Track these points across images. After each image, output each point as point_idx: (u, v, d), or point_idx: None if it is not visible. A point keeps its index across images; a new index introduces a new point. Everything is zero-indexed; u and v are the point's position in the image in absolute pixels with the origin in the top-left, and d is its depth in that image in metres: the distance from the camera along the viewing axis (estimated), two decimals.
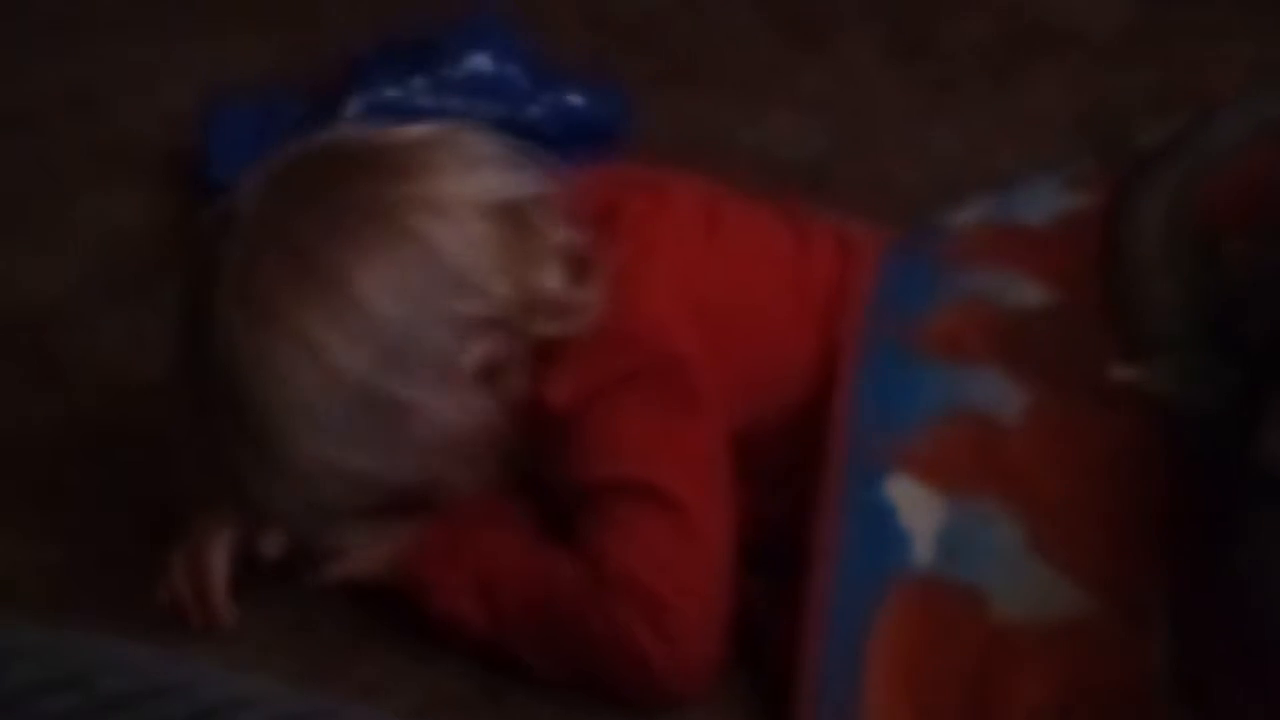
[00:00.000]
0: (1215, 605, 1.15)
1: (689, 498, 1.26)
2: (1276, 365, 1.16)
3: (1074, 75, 1.90)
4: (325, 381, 1.25)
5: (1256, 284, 1.20)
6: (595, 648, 1.26)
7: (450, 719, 1.31)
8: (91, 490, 1.48)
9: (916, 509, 1.22)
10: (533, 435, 1.32)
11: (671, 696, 1.27)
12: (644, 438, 1.27)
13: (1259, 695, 1.12)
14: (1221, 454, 1.16)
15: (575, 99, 1.74)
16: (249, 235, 1.27)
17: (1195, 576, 1.16)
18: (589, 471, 1.28)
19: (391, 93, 1.70)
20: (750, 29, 1.96)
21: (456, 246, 1.26)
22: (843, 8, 1.98)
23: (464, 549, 1.31)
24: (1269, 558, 1.12)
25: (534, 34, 1.79)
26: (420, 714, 1.31)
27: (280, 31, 1.98)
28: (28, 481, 1.49)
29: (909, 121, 1.83)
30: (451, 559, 1.31)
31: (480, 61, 1.72)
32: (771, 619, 1.29)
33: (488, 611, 1.30)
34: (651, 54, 1.92)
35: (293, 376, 1.25)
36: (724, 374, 1.31)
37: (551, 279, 1.29)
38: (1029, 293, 1.29)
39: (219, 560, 1.34)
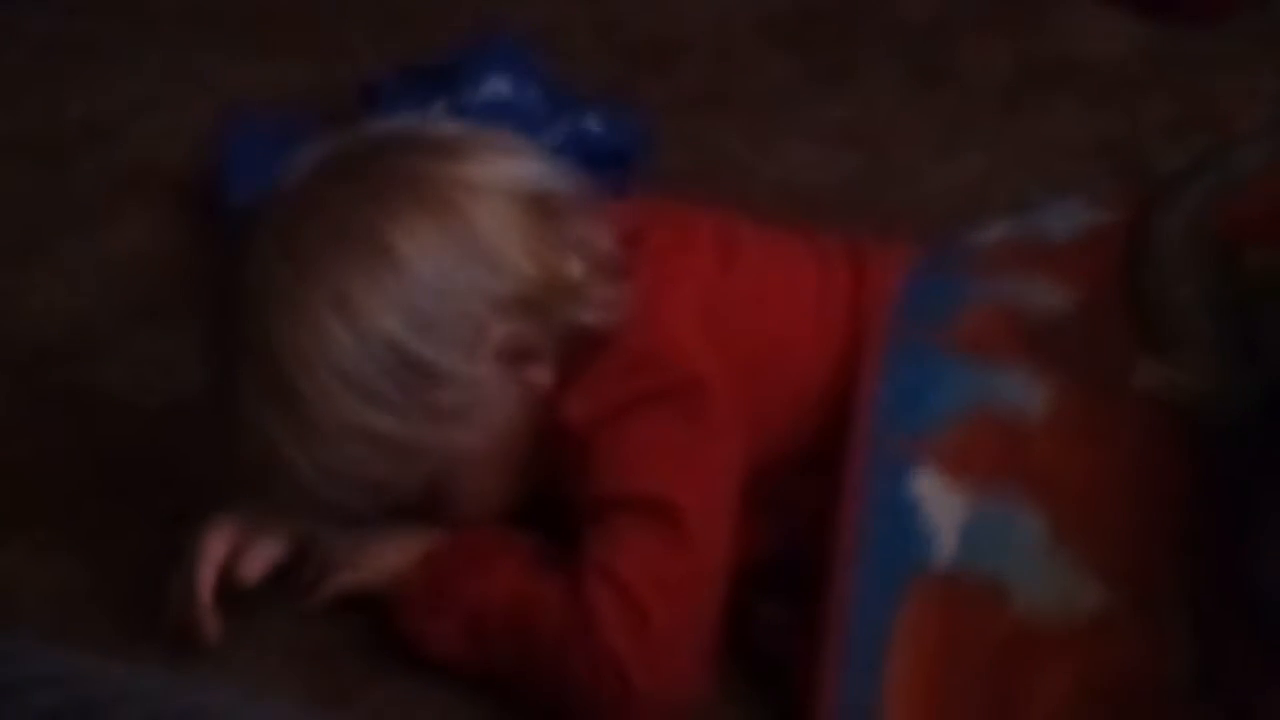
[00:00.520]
0: (1234, 602, 1.16)
1: (692, 516, 1.27)
2: None
3: (1092, 105, 1.90)
4: (359, 340, 1.27)
5: (1275, 291, 1.22)
6: (574, 677, 1.26)
7: None
8: (107, 514, 1.47)
9: (940, 503, 1.23)
10: (549, 453, 1.32)
11: (649, 714, 1.26)
12: (656, 455, 1.28)
13: (1278, 691, 1.14)
14: (1240, 453, 1.18)
15: (593, 124, 1.74)
16: (293, 202, 1.31)
17: (1214, 574, 1.17)
18: (599, 487, 1.29)
19: (409, 117, 1.69)
20: (770, 57, 1.96)
21: (491, 225, 1.29)
22: (863, 37, 1.98)
23: (450, 595, 1.32)
24: None
25: (552, 59, 1.79)
26: None
27: (298, 56, 1.98)
28: (43, 504, 1.49)
29: (929, 151, 1.83)
30: (438, 608, 1.32)
31: (498, 86, 1.72)
32: (784, 643, 1.29)
33: (479, 653, 1.31)
34: (670, 80, 1.92)
35: (329, 333, 1.27)
36: (742, 401, 1.31)
37: (577, 268, 1.31)
38: (1054, 297, 1.30)
39: (206, 572, 1.34)
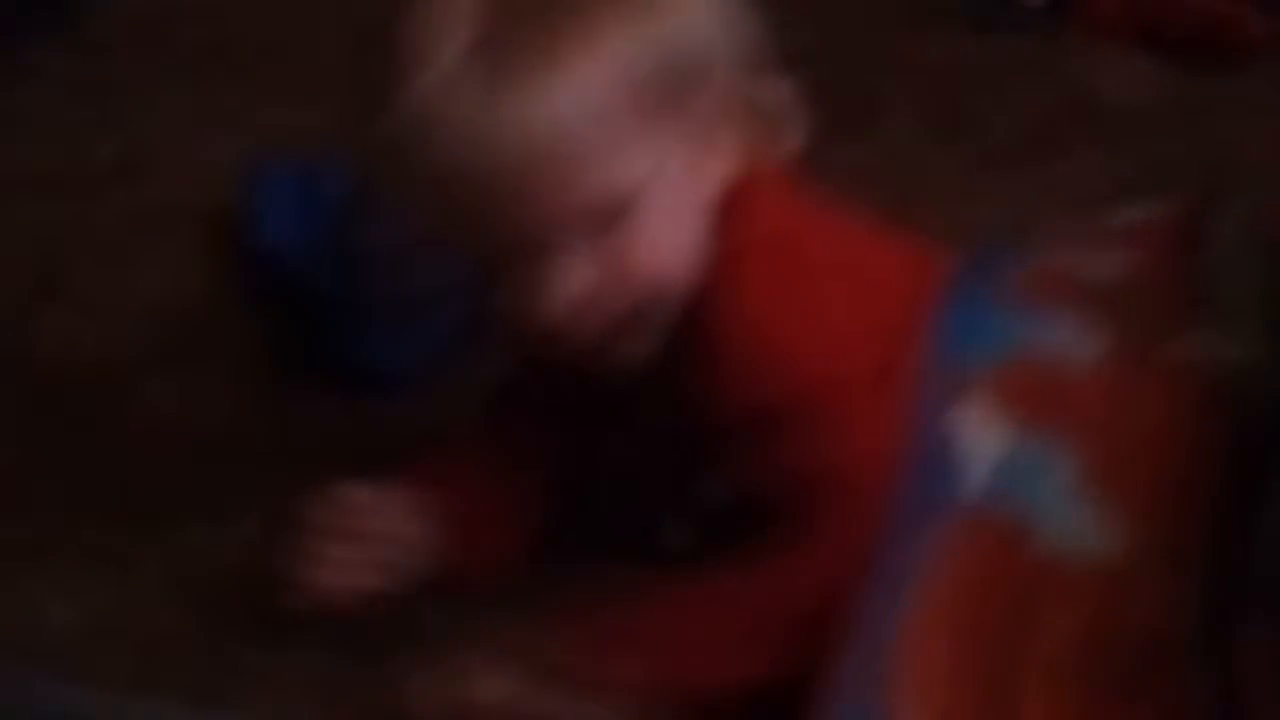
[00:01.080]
0: (1247, 566, 1.19)
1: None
2: None
3: (1113, 151, 1.90)
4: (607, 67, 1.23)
5: None
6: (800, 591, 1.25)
7: None
8: (129, 548, 1.48)
9: (978, 435, 1.25)
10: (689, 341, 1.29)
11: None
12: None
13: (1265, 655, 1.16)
14: (1273, 429, 1.22)
15: None
16: None
17: (1229, 541, 1.20)
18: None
19: None
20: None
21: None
22: (885, 84, 1.99)
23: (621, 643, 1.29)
24: None
25: None
26: None
27: (323, 96, 1.99)
28: (66, 538, 1.49)
29: (952, 197, 1.84)
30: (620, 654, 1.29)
31: None
32: None
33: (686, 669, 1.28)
34: None
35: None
36: None
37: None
38: (1106, 268, 1.34)
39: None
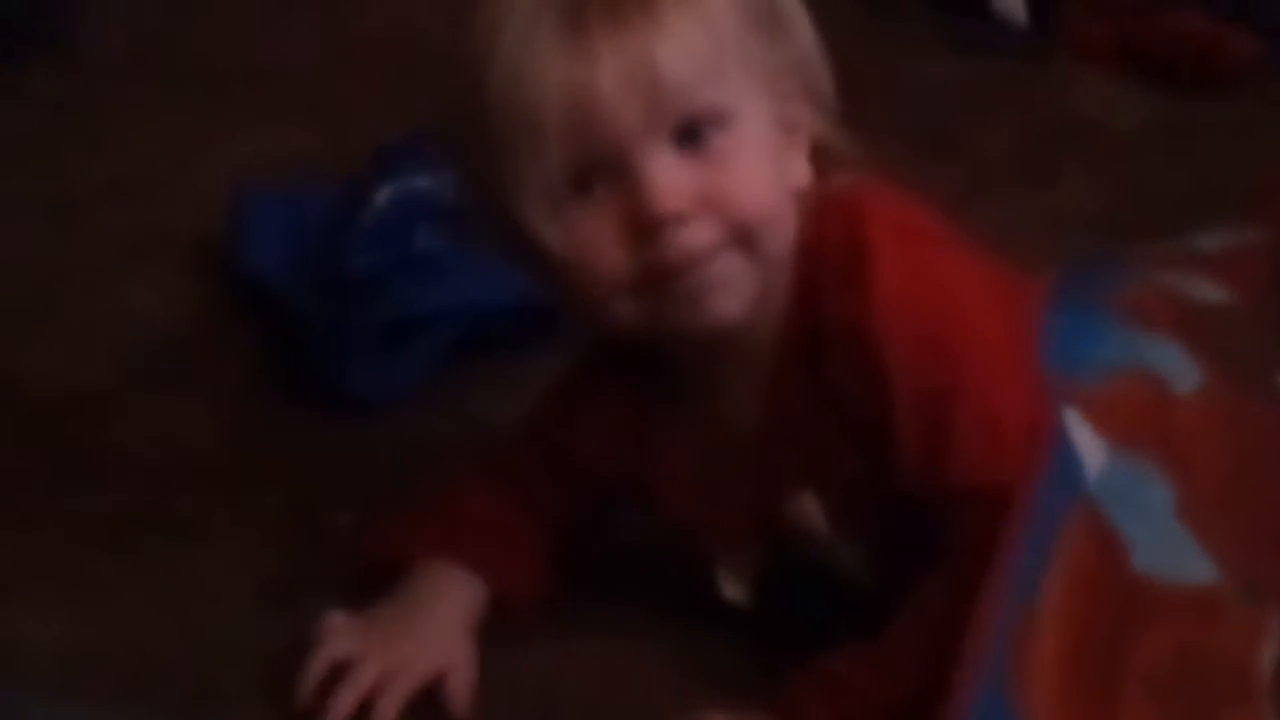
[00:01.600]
0: None
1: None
2: None
3: (1102, 171, 1.91)
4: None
5: None
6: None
7: None
8: (111, 572, 1.48)
9: (1086, 444, 1.25)
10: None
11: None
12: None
13: None
14: None
15: None
16: None
17: None
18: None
19: (422, 182, 1.70)
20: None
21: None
22: (872, 106, 1.98)
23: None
24: None
25: None
26: None
27: (310, 121, 2.00)
28: (47, 560, 1.49)
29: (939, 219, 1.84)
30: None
31: None
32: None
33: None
34: None
35: None
36: None
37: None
38: (1209, 293, 1.35)
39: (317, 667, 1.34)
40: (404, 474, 1.52)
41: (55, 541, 1.51)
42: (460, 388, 1.62)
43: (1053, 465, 1.24)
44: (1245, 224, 1.45)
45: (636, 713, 1.34)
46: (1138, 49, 2.08)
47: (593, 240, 1.24)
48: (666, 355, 1.33)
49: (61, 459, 1.60)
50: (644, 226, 1.23)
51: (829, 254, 1.28)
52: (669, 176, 1.22)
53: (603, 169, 1.23)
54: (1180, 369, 1.28)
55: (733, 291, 1.25)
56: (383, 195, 1.70)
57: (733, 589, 1.38)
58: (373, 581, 1.40)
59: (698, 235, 1.23)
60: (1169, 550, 1.22)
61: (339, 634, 1.35)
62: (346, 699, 1.33)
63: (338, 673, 1.34)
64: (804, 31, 1.30)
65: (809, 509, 1.33)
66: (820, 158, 1.30)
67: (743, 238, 1.25)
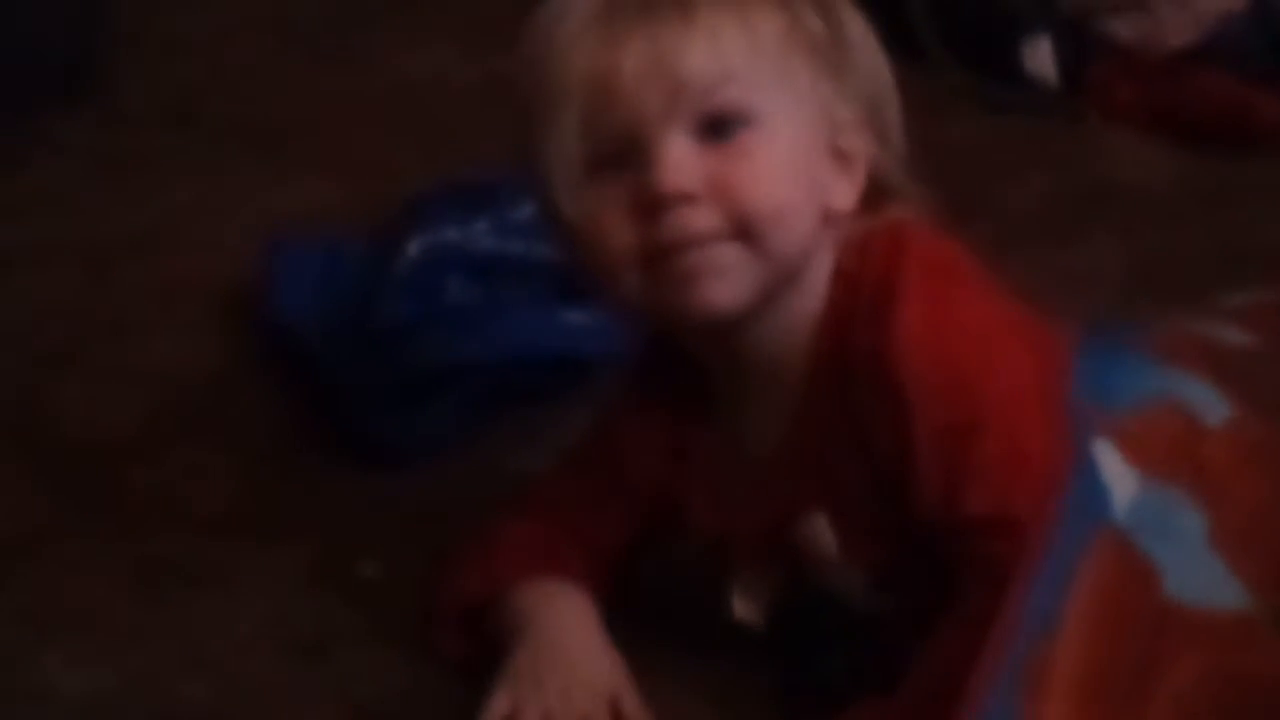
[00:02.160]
0: None
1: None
2: None
3: (1132, 233, 1.91)
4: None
5: None
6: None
7: None
8: (137, 622, 1.48)
9: (1115, 474, 1.27)
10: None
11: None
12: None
13: None
14: None
15: None
16: None
17: None
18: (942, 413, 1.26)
19: (452, 234, 1.71)
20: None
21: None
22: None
23: None
24: None
25: None
26: None
27: (341, 173, 2.00)
28: (75, 610, 1.49)
29: None
30: None
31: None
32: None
33: None
34: None
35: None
36: None
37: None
38: (1237, 336, 1.37)
39: None
40: (434, 526, 1.52)
41: (85, 590, 1.51)
42: (491, 439, 1.62)
43: (1073, 498, 1.25)
44: (1271, 284, 1.47)
45: None
46: (1168, 110, 2.08)
47: (605, 217, 1.27)
48: (699, 372, 1.35)
49: (91, 508, 1.60)
50: (649, 203, 1.25)
51: (864, 286, 1.29)
52: (678, 156, 1.25)
53: (621, 151, 1.26)
54: (1210, 402, 1.30)
55: (726, 281, 1.27)
56: (414, 247, 1.70)
57: (744, 608, 1.38)
58: (425, 636, 1.41)
59: (697, 218, 1.26)
60: (1201, 577, 1.24)
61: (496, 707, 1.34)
62: None
63: None
64: (873, 67, 1.32)
65: (821, 531, 1.33)
66: (876, 191, 1.32)
67: (745, 230, 1.26)
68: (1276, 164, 2.00)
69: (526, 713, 1.32)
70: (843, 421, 1.29)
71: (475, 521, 1.45)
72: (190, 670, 1.43)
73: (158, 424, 1.69)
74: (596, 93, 1.26)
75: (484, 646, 1.38)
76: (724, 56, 1.26)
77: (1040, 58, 2.17)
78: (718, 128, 1.26)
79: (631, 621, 1.39)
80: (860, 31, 1.32)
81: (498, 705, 1.33)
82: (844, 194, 1.31)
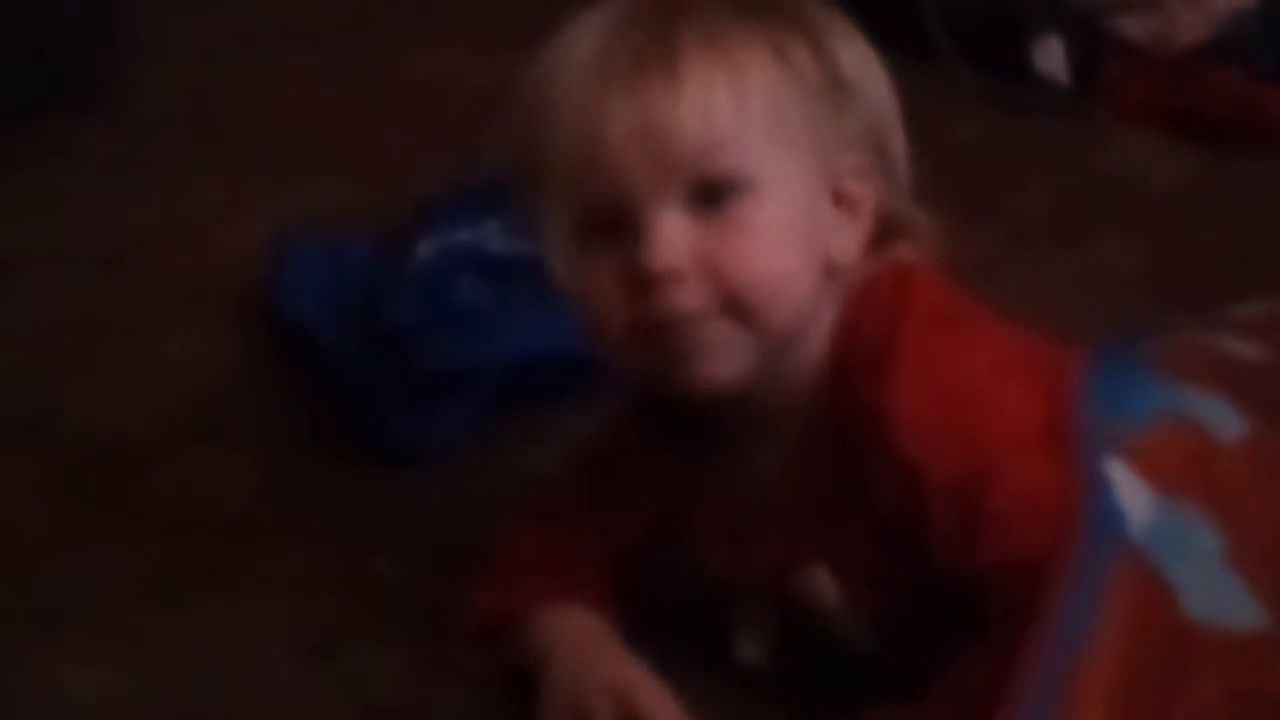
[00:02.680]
0: None
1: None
2: None
3: (1143, 231, 1.90)
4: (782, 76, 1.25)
5: None
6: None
7: None
8: (149, 623, 1.48)
9: (1130, 493, 1.25)
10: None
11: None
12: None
13: None
14: None
15: None
16: None
17: None
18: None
19: (463, 235, 1.71)
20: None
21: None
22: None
23: None
24: None
25: None
26: None
27: (352, 173, 2.01)
28: (98, 618, 1.49)
29: (980, 280, 1.83)
30: None
31: None
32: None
33: None
34: None
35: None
36: None
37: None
38: (1248, 350, 1.36)
39: None
40: (446, 526, 1.52)
41: (97, 592, 1.51)
42: (502, 440, 1.62)
43: (1092, 523, 1.24)
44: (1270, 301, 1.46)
45: None
46: (1179, 108, 2.08)
47: (597, 288, 1.25)
48: (701, 418, 1.33)
49: (103, 509, 1.60)
50: (639, 280, 1.23)
51: (864, 339, 1.27)
52: (669, 233, 1.22)
53: (611, 220, 1.23)
54: (1224, 418, 1.29)
55: (721, 359, 1.24)
56: (425, 248, 1.71)
57: (751, 650, 1.38)
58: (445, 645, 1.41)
59: (688, 298, 1.22)
60: (1218, 596, 1.23)
61: None
62: None
63: None
64: (873, 96, 1.29)
65: (822, 584, 1.32)
66: (885, 229, 1.29)
67: (736, 307, 1.23)
68: None
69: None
70: (842, 474, 1.28)
71: (487, 521, 1.45)
72: (203, 669, 1.43)
73: (171, 425, 1.70)
74: (585, 162, 1.22)
75: (500, 661, 1.38)
76: (715, 121, 1.22)
77: (1051, 57, 2.17)
78: (709, 196, 1.22)
79: (643, 640, 1.39)
80: (856, 59, 1.28)
81: None
82: (848, 243, 1.28)
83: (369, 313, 1.69)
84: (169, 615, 1.48)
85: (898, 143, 1.30)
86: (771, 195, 1.23)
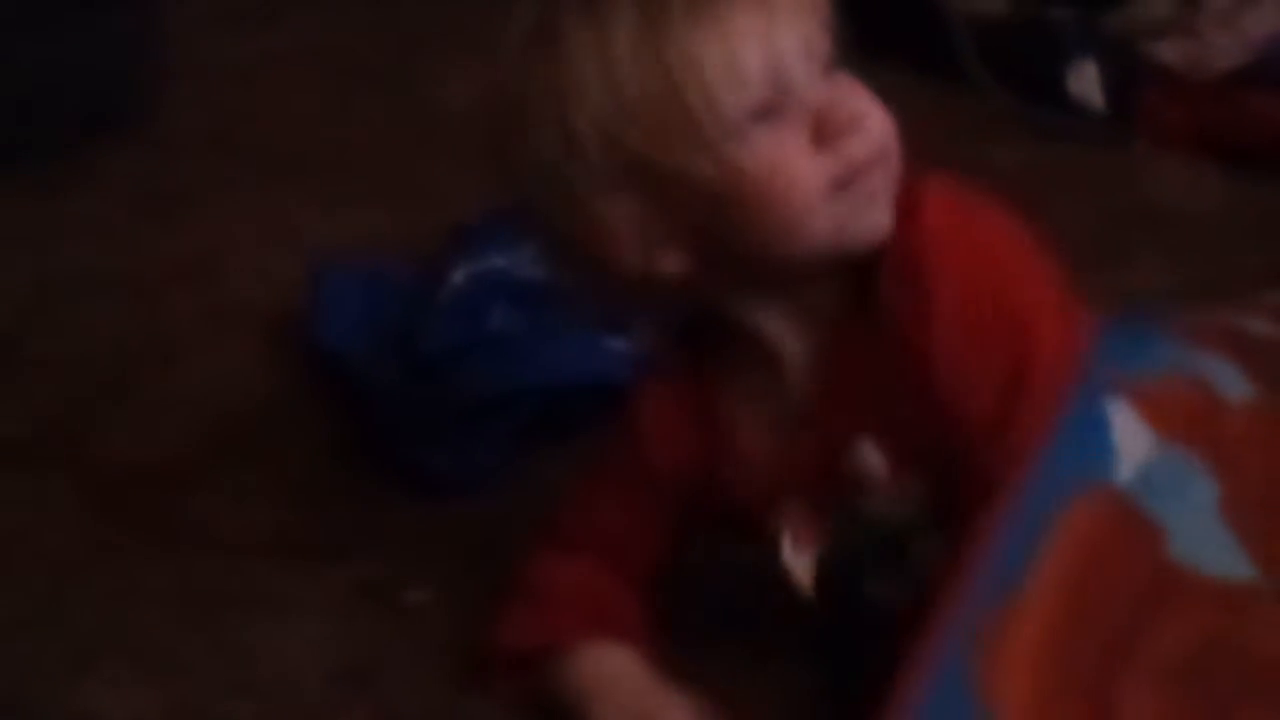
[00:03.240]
0: None
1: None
2: None
3: (1181, 257, 1.90)
4: None
5: None
6: None
7: None
8: (184, 646, 1.48)
9: (1128, 434, 1.27)
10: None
11: None
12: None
13: None
14: None
15: None
16: None
17: None
18: None
19: (499, 261, 1.71)
20: None
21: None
22: None
23: None
24: None
25: None
26: None
27: (387, 200, 2.01)
28: (132, 642, 1.49)
29: None
30: None
31: None
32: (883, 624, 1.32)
33: None
34: None
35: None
36: None
37: None
38: (1267, 328, 1.39)
39: None
40: (482, 553, 1.52)
41: (131, 616, 1.51)
42: (537, 467, 1.62)
43: (1064, 454, 1.27)
44: None
45: None
46: (1215, 133, 2.08)
47: (786, 156, 1.28)
48: (723, 341, 1.36)
49: (139, 534, 1.60)
50: (832, 131, 1.29)
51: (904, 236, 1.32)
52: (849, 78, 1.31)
53: (769, 106, 1.28)
54: (1231, 381, 1.30)
55: (883, 207, 1.30)
56: (460, 274, 1.71)
57: (796, 562, 1.37)
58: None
59: (874, 132, 1.30)
60: (1208, 544, 1.23)
61: None
62: None
63: None
64: None
65: (869, 457, 1.34)
66: None
67: (883, 157, 1.31)
68: None
69: None
70: (878, 348, 1.31)
71: (522, 548, 1.45)
72: (236, 695, 1.43)
73: (206, 451, 1.70)
74: (762, 53, 1.28)
75: (533, 692, 1.39)
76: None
77: (1086, 82, 2.17)
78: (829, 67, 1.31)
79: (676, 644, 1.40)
80: None
81: None
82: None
83: (404, 339, 1.69)
84: (202, 639, 1.48)
85: None
86: None
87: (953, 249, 1.30)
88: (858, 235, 1.31)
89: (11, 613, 1.52)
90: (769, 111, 1.29)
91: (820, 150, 1.29)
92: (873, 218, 1.30)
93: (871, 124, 1.30)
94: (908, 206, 1.30)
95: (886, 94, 1.33)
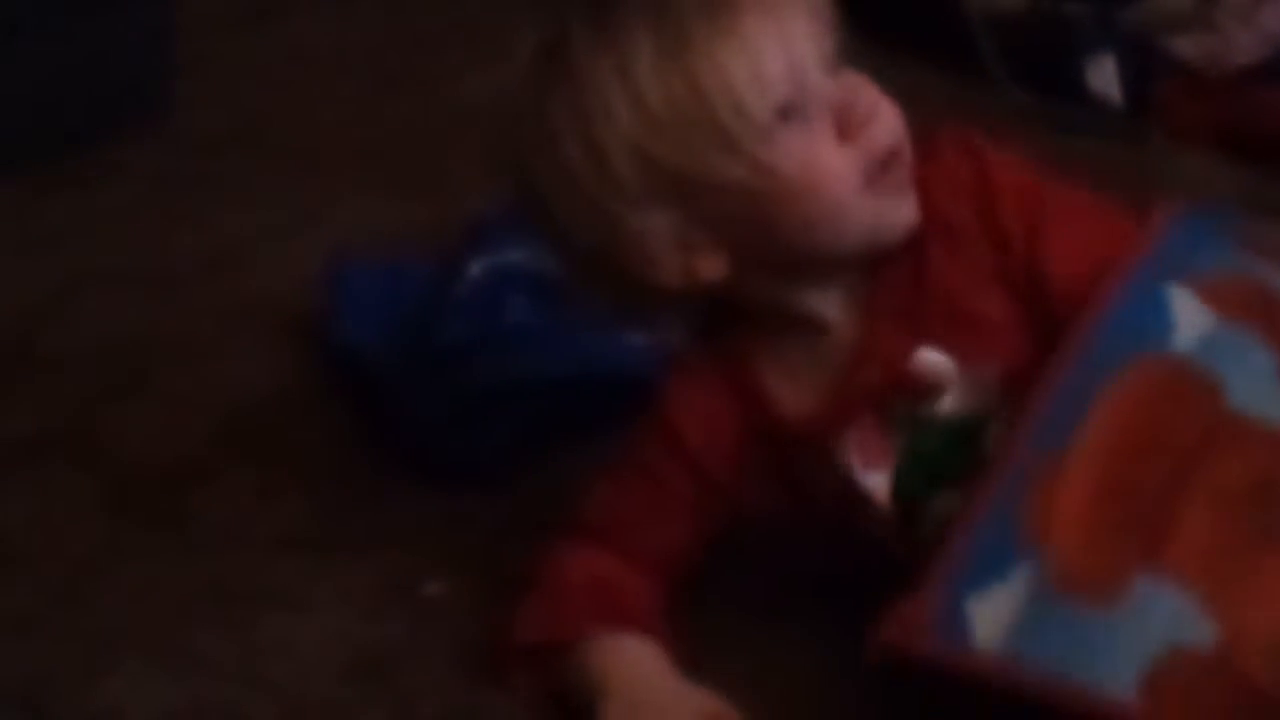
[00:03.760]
0: None
1: None
2: None
3: None
4: None
5: None
6: None
7: None
8: (205, 643, 1.48)
9: (1189, 310, 1.31)
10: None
11: None
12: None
13: None
14: None
15: None
16: None
17: None
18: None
19: (516, 256, 1.71)
20: None
21: None
22: None
23: None
24: None
25: None
26: None
27: (407, 194, 2.01)
28: (152, 638, 1.49)
29: None
30: None
31: None
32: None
33: None
34: None
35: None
36: None
37: None
38: None
39: None
40: (499, 546, 1.52)
41: (151, 612, 1.51)
42: (553, 459, 1.62)
43: (1118, 325, 1.31)
44: None
45: None
46: (1234, 129, 2.07)
47: (818, 151, 1.33)
48: (756, 322, 1.39)
49: (157, 529, 1.61)
50: (858, 118, 1.33)
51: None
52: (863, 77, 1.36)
53: (789, 107, 1.32)
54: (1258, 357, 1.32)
55: (910, 197, 1.36)
56: (476, 267, 1.71)
57: (877, 489, 1.38)
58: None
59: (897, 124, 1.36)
60: (1265, 396, 1.28)
61: None
62: None
63: None
64: None
65: (934, 359, 1.37)
66: None
67: (902, 150, 1.36)
68: None
69: None
70: (922, 248, 1.37)
71: (540, 542, 1.45)
72: (255, 690, 1.43)
73: (224, 445, 1.70)
74: (785, 56, 1.32)
75: (550, 683, 1.39)
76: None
77: (1104, 77, 2.17)
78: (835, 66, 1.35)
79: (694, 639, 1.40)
80: None
81: None
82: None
83: (420, 333, 1.69)
84: (220, 634, 1.49)
85: None
86: None
87: (994, 156, 1.39)
88: (894, 225, 1.35)
89: (30, 609, 1.53)
90: (792, 111, 1.32)
91: (846, 142, 1.33)
92: (904, 208, 1.36)
93: (886, 113, 1.35)
94: (929, 152, 1.37)
95: (905, 91, 1.35)
